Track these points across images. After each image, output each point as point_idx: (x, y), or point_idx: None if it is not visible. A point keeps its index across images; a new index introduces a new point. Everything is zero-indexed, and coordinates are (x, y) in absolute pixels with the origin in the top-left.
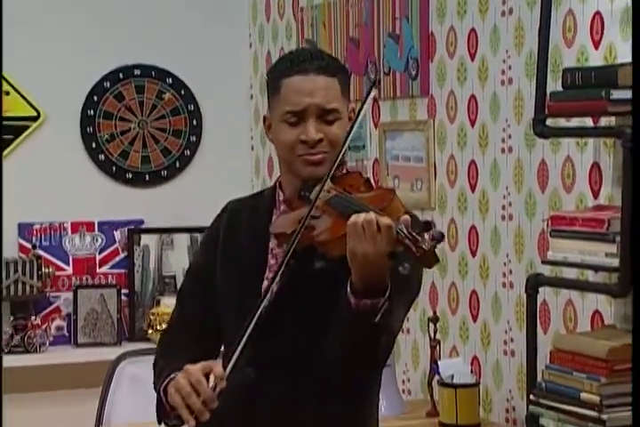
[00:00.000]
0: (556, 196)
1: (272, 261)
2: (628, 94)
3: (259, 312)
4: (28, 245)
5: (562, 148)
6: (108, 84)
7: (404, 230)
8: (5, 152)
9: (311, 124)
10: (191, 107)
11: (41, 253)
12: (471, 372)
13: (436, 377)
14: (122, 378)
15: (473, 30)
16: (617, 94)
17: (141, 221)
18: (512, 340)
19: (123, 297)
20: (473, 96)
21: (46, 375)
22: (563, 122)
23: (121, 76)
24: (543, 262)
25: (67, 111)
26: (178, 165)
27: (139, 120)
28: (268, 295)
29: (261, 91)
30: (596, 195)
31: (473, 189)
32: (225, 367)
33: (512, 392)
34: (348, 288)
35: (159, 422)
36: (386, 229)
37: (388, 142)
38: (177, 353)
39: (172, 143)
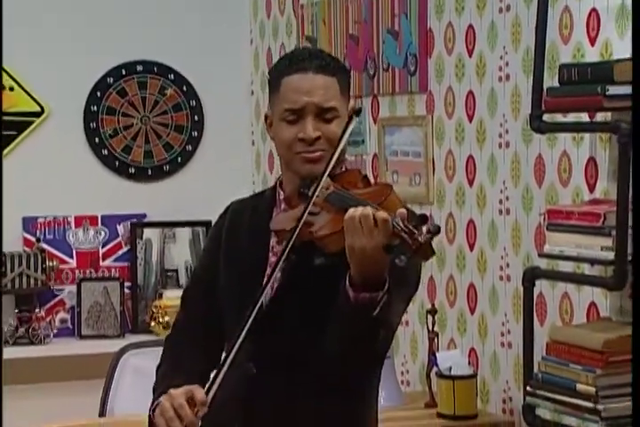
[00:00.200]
0: (553, 190)
1: (273, 259)
2: (623, 90)
3: (257, 307)
4: (33, 239)
5: (558, 143)
6: (111, 81)
7: (401, 223)
8: (10, 147)
9: (309, 122)
10: (193, 102)
11: (45, 246)
12: (469, 363)
13: (435, 369)
14: (125, 370)
15: (471, 27)
16: (613, 90)
17: (144, 215)
18: (509, 332)
19: (126, 290)
20: (471, 92)
21: (50, 367)
22: (559, 117)
23: (124, 72)
24: (540, 256)
25: (70, 107)
26: (180, 160)
27: (141, 116)
28: (267, 290)
29: (262, 87)
30: (591, 189)
31: (471, 183)
32: (208, 392)
33: (509, 383)
34: (347, 282)
35: None
36: (382, 222)
37: (386, 138)
38: (180, 356)
39: (174, 138)
